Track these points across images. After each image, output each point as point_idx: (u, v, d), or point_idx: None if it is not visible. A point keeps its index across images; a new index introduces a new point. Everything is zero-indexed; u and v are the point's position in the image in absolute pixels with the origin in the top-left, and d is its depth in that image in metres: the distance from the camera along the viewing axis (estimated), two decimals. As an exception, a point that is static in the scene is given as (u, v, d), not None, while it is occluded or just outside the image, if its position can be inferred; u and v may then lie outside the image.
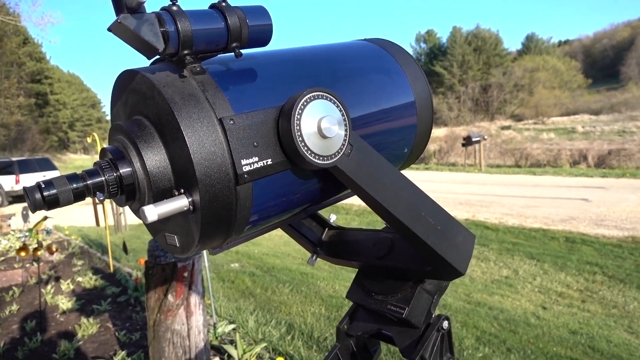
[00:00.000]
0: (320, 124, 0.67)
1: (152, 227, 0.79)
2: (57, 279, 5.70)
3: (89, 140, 6.24)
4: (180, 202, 0.62)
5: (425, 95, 0.98)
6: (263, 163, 0.65)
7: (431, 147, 25.50)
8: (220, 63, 0.72)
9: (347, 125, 0.71)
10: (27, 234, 5.79)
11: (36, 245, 3.77)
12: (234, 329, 3.73)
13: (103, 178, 0.63)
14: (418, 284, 0.91)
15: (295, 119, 0.65)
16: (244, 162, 0.63)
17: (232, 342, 3.46)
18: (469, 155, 21.62)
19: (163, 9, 0.63)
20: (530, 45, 61.01)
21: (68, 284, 5.39)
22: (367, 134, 0.83)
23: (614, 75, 54.26)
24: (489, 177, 17.04)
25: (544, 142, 24.90)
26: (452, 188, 14.56)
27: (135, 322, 4.22)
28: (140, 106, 0.67)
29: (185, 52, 0.63)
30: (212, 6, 0.68)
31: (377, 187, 0.75)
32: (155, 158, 0.64)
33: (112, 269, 6.02)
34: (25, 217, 9.78)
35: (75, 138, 60.73)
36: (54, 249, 3.68)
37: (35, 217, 11.65)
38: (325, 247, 1.14)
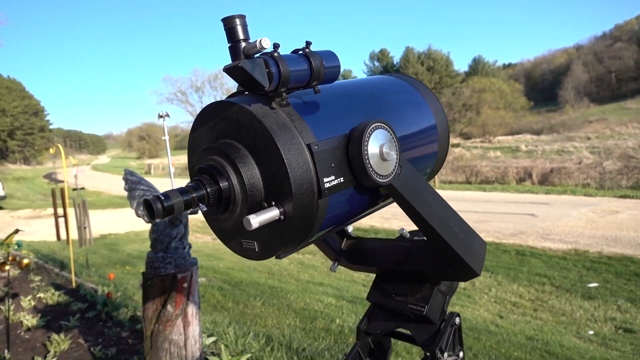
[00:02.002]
0: (382, 149, 0.83)
1: (226, 234, 0.92)
2: (15, 296, 5.45)
3: (51, 151, 6.06)
4: (274, 212, 0.76)
5: (444, 123, 1.18)
6: (338, 181, 0.81)
7: (387, 163, 26.22)
8: (297, 96, 0.88)
9: (397, 149, 0.88)
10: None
11: (5, 258, 3.64)
12: (214, 342, 3.76)
13: (205, 191, 0.76)
14: (434, 285, 1.09)
15: (364, 144, 0.81)
16: (325, 179, 0.78)
17: (214, 354, 3.49)
18: (422, 172, 22.41)
19: (266, 54, 0.78)
20: (478, 67, 64.24)
21: (29, 300, 5.17)
22: (405, 157, 1.00)
23: (552, 97, 58.14)
24: (442, 193, 17.41)
25: (491, 160, 26.25)
26: (408, 203, 15.04)
27: (109, 337, 4.14)
28: (232, 131, 0.81)
29: (282, 89, 0.78)
30: (296, 51, 0.84)
31: (419, 201, 0.92)
32: (251, 175, 0.78)
33: (74, 285, 5.83)
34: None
35: (15, 147, 57.44)
36: (26, 262, 3.56)
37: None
38: (345, 255, 1.29)
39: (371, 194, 0.94)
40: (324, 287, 6.76)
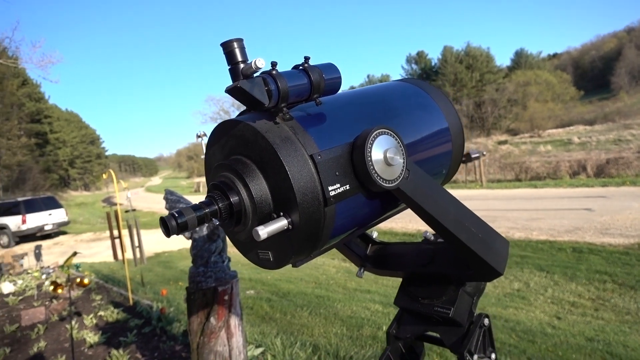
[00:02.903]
0: (386, 154, 0.85)
1: (244, 247, 0.96)
2: (79, 314, 5.80)
3: (104, 176, 6.43)
4: (282, 222, 0.80)
5: (457, 124, 1.18)
6: (343, 188, 0.84)
7: (431, 165, 25.75)
8: (300, 109, 0.92)
9: (404, 154, 0.90)
10: (50, 271, 5.93)
11: (66, 279, 3.90)
12: (262, 352, 3.84)
13: (217, 207, 0.81)
14: (460, 287, 1.08)
15: (367, 151, 0.84)
16: (330, 188, 0.81)
17: (262, 364, 3.57)
18: (469, 172, 21.84)
19: (265, 72, 0.83)
20: (521, 60, 62.03)
21: (91, 318, 5.49)
22: (416, 160, 1.01)
23: (604, 85, 55.09)
24: (491, 192, 17.22)
25: (542, 155, 25.19)
26: (455, 205, 14.70)
27: (163, 351, 4.32)
28: (241, 148, 0.86)
29: (282, 105, 0.82)
30: (296, 67, 0.88)
31: (430, 203, 0.93)
32: (259, 188, 0.82)
33: (131, 302, 6.12)
34: (38, 256, 9.89)
35: (76, 175, 61.01)
36: (87, 282, 3.81)
37: (48, 257, 11.72)
38: (371, 260, 1.30)
39: (383, 199, 0.96)
40: (371, 295, 6.72)
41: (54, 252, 13.79)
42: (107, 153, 79.34)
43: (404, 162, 0.90)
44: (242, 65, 0.81)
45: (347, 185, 0.85)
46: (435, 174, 1.18)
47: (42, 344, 4.82)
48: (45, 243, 16.09)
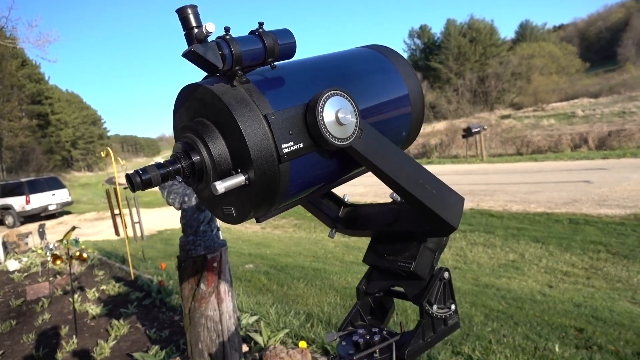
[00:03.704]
0: (338, 114, 0.91)
1: (211, 202, 1.03)
2: (82, 289, 5.96)
3: (103, 154, 6.51)
4: (239, 178, 0.86)
5: (417, 88, 1.23)
6: (297, 146, 0.89)
7: (432, 140, 25.69)
8: (259, 74, 0.96)
9: (357, 114, 0.94)
10: (52, 246, 6.06)
11: (66, 253, 4.01)
12: (257, 320, 3.97)
13: (180, 165, 0.87)
14: (421, 243, 1.15)
15: (319, 111, 0.89)
16: (283, 146, 0.87)
17: (256, 331, 3.69)
18: (470, 147, 21.80)
19: (219, 37, 0.87)
20: (525, 32, 60.98)
21: (93, 292, 5.64)
22: (373, 122, 1.06)
23: (611, 56, 54.19)
24: (492, 167, 17.22)
25: (544, 129, 25.03)
26: (455, 179, 14.75)
27: (163, 321, 4.46)
28: (202, 110, 0.91)
29: (237, 68, 0.87)
30: (252, 32, 0.93)
31: (383, 161, 0.99)
32: (218, 147, 0.88)
33: (133, 276, 6.27)
34: (42, 235, 10.08)
35: (78, 156, 61.22)
36: (85, 256, 3.92)
37: (52, 235, 11.91)
38: (342, 222, 1.37)
39: (339, 158, 1.02)
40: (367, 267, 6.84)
41: (58, 231, 13.98)
42: (109, 134, 79.44)
43: (356, 122, 0.95)
44: (196, 30, 0.86)
45: (301, 144, 0.90)
46: (395, 136, 1.22)
47: (47, 316, 4.98)
48: (49, 223, 16.31)
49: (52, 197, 19.04)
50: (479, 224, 9.39)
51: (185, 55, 0.86)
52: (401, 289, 1.22)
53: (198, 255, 2.55)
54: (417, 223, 1.14)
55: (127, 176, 0.83)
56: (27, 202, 18.05)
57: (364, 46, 1.32)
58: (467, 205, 10.73)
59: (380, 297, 1.29)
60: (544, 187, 11.71)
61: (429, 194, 1.03)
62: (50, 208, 18.91)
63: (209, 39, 0.86)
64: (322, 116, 0.89)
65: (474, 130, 19.28)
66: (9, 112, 37.76)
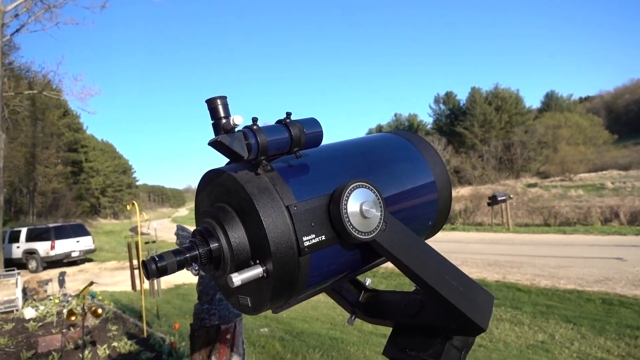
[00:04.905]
0: (362, 207, 0.87)
1: (227, 290, 0.99)
2: (94, 344, 5.84)
3: (128, 207, 6.61)
4: (257, 270, 0.83)
5: (444, 176, 1.19)
6: (319, 239, 0.86)
7: (457, 206, 25.34)
8: (283, 161, 0.95)
9: (382, 206, 0.91)
10: (69, 298, 6.04)
11: (82, 309, 3.97)
12: (268, 395, 3.77)
13: (197, 252, 0.84)
14: (446, 340, 1.06)
15: (343, 204, 0.86)
16: (305, 238, 0.84)
17: (266, 407, 3.49)
18: (495, 215, 21.38)
19: (246, 127, 0.87)
20: (551, 102, 61.46)
21: (104, 349, 5.53)
22: (397, 210, 1.03)
23: (639, 129, 53.77)
24: (518, 237, 16.75)
25: (572, 200, 24.46)
26: (480, 248, 14.36)
27: (171, 387, 4.29)
28: (224, 196, 0.90)
29: (262, 157, 0.86)
30: (279, 121, 0.93)
31: (408, 256, 0.94)
32: (237, 236, 0.85)
33: (145, 334, 6.14)
34: (61, 283, 10.10)
35: (106, 203, 62.59)
36: (100, 312, 3.87)
37: (71, 283, 11.94)
38: (362, 308, 1.30)
39: (362, 250, 0.98)
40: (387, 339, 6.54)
41: (77, 279, 14.04)
42: (137, 183, 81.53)
43: (381, 215, 0.91)
44: (224, 121, 0.86)
45: (323, 236, 0.87)
46: (421, 225, 1.18)
47: (55, 372, 4.87)
48: (70, 270, 16.43)
49: (76, 243, 19.31)
50: (506, 298, 8.97)
51: (212, 144, 0.86)
52: None
53: (212, 325, 2.47)
54: (442, 318, 1.07)
55: (143, 262, 0.81)
56: (52, 247, 18.33)
57: (390, 132, 1.31)
58: (493, 277, 10.34)
59: None
60: (574, 262, 11.24)
61: (456, 292, 0.97)
62: (73, 255, 19.13)
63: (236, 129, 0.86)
64: (345, 209, 0.86)
65: (499, 198, 18.97)
66: (46, 158, 39.42)
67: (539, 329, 7.27)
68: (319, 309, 9.24)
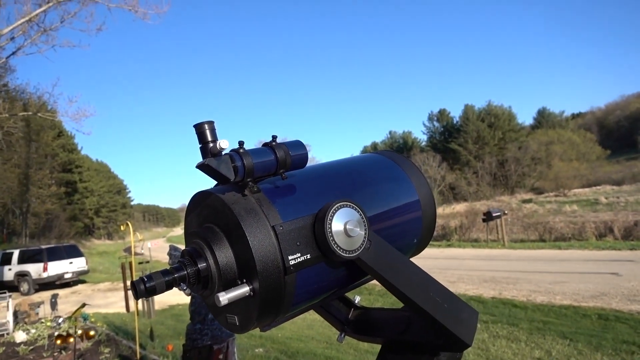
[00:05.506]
0: (346, 226, 0.90)
1: (215, 309, 1.00)
2: (85, 368, 5.75)
3: (122, 228, 6.59)
4: (243, 289, 0.84)
5: (428, 195, 1.22)
6: (304, 257, 0.88)
7: (452, 223, 25.35)
8: (270, 182, 0.98)
9: (366, 225, 0.93)
10: (61, 321, 5.96)
11: (73, 331, 3.92)
12: (262, 416, 3.71)
13: (186, 272, 0.86)
14: (433, 356, 1.08)
15: (327, 223, 0.88)
16: (290, 257, 0.86)
17: None
18: (491, 231, 21.40)
19: (233, 150, 0.90)
20: (543, 119, 62.23)
21: (96, 372, 5.44)
22: (381, 228, 1.05)
23: (631, 145, 54.46)
24: (513, 253, 16.74)
25: (567, 215, 24.55)
26: (476, 265, 14.34)
27: (163, 410, 4.22)
28: (212, 217, 0.92)
29: (248, 179, 0.89)
30: (265, 144, 0.96)
31: (392, 273, 0.96)
32: (225, 255, 0.87)
33: (138, 356, 6.05)
34: (53, 305, 9.96)
35: (100, 224, 62.14)
36: (92, 334, 3.82)
37: (64, 305, 11.78)
38: (351, 325, 1.30)
39: (348, 268, 1.00)
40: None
41: (70, 301, 13.85)
42: (132, 202, 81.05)
43: (365, 234, 0.93)
44: (211, 145, 0.89)
45: (308, 255, 0.89)
46: (406, 244, 1.20)
47: (45, 397, 4.78)
48: (63, 292, 16.22)
49: (69, 265, 19.11)
50: (502, 315, 8.93)
51: (200, 167, 0.89)
52: None
53: (204, 345, 2.45)
54: (428, 334, 1.08)
55: (132, 283, 0.82)
56: (45, 269, 18.11)
57: (375, 152, 1.34)
58: (489, 293, 10.31)
59: None
60: (570, 278, 11.23)
61: (440, 308, 0.99)
62: (66, 276, 18.90)
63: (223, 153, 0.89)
64: (330, 228, 0.88)
65: (494, 215, 19.02)
66: (39, 179, 39.22)
67: (535, 345, 7.23)
68: (315, 328, 9.15)
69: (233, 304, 0.89)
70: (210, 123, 0.91)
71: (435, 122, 65.03)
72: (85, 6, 15.95)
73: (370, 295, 11.33)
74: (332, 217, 0.89)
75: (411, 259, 1.06)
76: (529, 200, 37.38)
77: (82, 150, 57.02)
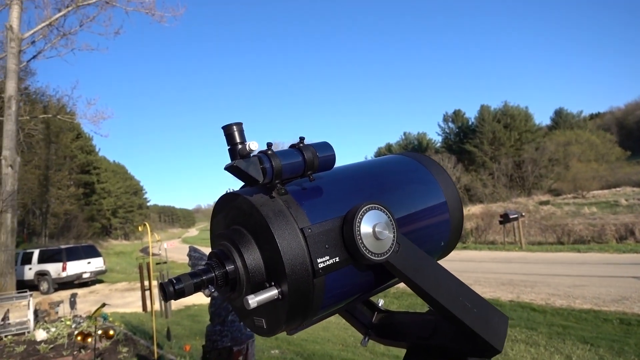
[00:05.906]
0: (375, 229, 0.88)
1: (242, 312, 0.99)
2: (104, 367, 5.82)
3: (140, 229, 6.66)
4: (272, 292, 0.83)
5: (455, 197, 1.20)
6: (333, 260, 0.87)
7: (468, 225, 25.09)
8: (297, 184, 0.97)
9: (395, 228, 0.92)
10: (80, 320, 6.05)
11: (94, 330, 3.97)
12: (279, 418, 3.71)
13: (214, 274, 0.86)
14: None
15: (356, 226, 0.87)
16: (319, 260, 0.85)
17: None
18: (508, 233, 21.12)
19: (261, 151, 0.89)
20: (560, 120, 61.23)
21: (115, 371, 5.50)
22: (409, 231, 1.04)
23: (653, 145, 53.19)
24: (531, 255, 16.50)
25: (586, 217, 24.09)
26: (493, 267, 14.16)
27: (181, 410, 4.25)
28: (240, 219, 0.91)
29: (277, 181, 0.88)
30: (292, 146, 0.95)
31: (420, 277, 0.94)
32: (253, 258, 0.86)
33: (156, 356, 6.10)
34: (72, 304, 10.12)
35: (117, 224, 63.00)
36: (111, 333, 3.87)
37: (82, 304, 11.96)
38: (375, 329, 1.29)
39: (375, 271, 0.99)
40: (400, 361, 6.43)
41: (88, 300, 14.06)
42: (148, 203, 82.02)
43: (394, 237, 0.92)
44: (240, 146, 0.88)
45: (337, 258, 0.88)
46: (433, 246, 1.19)
47: (66, 395, 4.85)
48: (81, 291, 16.46)
49: (88, 265, 19.41)
50: (520, 319, 8.80)
51: (229, 169, 0.88)
52: None
53: (224, 347, 2.46)
54: (456, 340, 1.06)
55: (161, 285, 0.82)
56: (64, 269, 18.42)
57: (401, 153, 1.32)
58: (507, 296, 10.17)
59: None
60: (589, 281, 11.02)
61: (470, 313, 0.97)
62: (84, 276, 19.20)
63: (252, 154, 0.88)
64: (359, 230, 0.87)
65: (511, 217, 18.76)
66: (58, 180, 39.93)
67: (555, 350, 7.10)
68: (330, 330, 9.13)
69: (261, 306, 0.89)
70: (239, 124, 0.91)
71: (450, 123, 64.45)
72: (104, 10, 16.23)
73: (385, 297, 11.22)
74: (361, 219, 0.88)
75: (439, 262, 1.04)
76: (547, 202, 36.80)
77: (100, 152, 57.96)
